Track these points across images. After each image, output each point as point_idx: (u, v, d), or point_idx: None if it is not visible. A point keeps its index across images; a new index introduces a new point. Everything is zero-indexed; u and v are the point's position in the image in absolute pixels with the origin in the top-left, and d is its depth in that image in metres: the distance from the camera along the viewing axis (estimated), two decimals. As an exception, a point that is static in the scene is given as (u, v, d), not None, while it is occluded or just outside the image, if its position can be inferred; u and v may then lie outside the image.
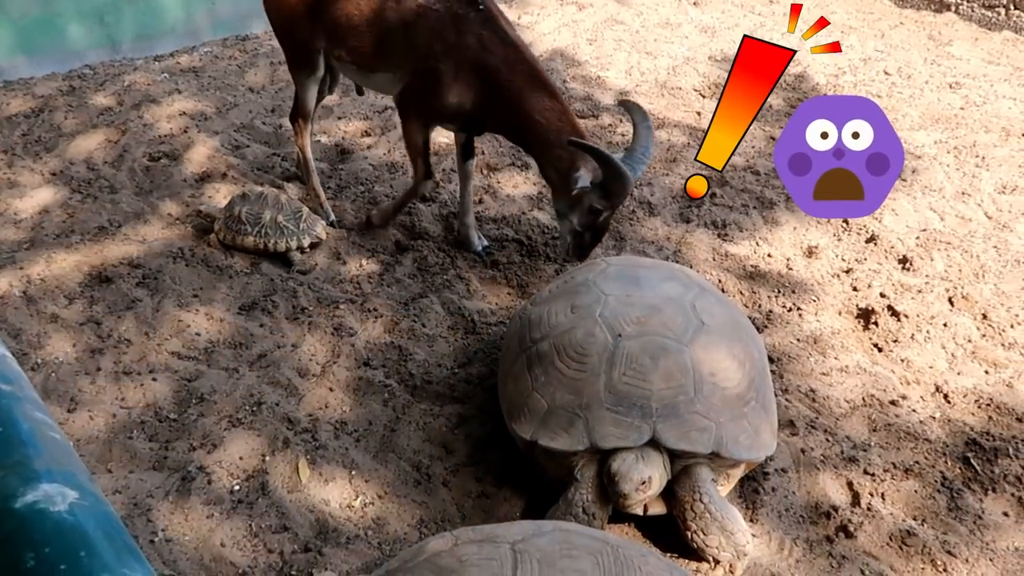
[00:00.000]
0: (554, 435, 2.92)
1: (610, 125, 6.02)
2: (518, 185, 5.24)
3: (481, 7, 4.01)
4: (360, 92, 5.03)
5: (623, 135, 5.87)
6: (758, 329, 4.05)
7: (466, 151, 4.54)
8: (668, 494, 2.93)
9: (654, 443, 2.84)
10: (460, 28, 3.99)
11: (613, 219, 4.88)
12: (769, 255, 4.60)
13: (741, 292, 4.31)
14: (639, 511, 2.93)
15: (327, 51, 4.46)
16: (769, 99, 6.47)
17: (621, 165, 3.74)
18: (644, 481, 2.77)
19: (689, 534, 2.83)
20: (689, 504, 2.84)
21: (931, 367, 3.85)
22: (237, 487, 3.12)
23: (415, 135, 4.31)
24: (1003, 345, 3.99)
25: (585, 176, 3.82)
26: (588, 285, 3.25)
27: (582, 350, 2.99)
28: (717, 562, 2.82)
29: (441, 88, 4.05)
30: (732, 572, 2.83)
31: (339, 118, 5.98)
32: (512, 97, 3.99)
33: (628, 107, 4.14)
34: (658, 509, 2.96)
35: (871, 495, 3.16)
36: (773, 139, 5.89)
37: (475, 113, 4.14)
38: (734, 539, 2.80)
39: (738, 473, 3.06)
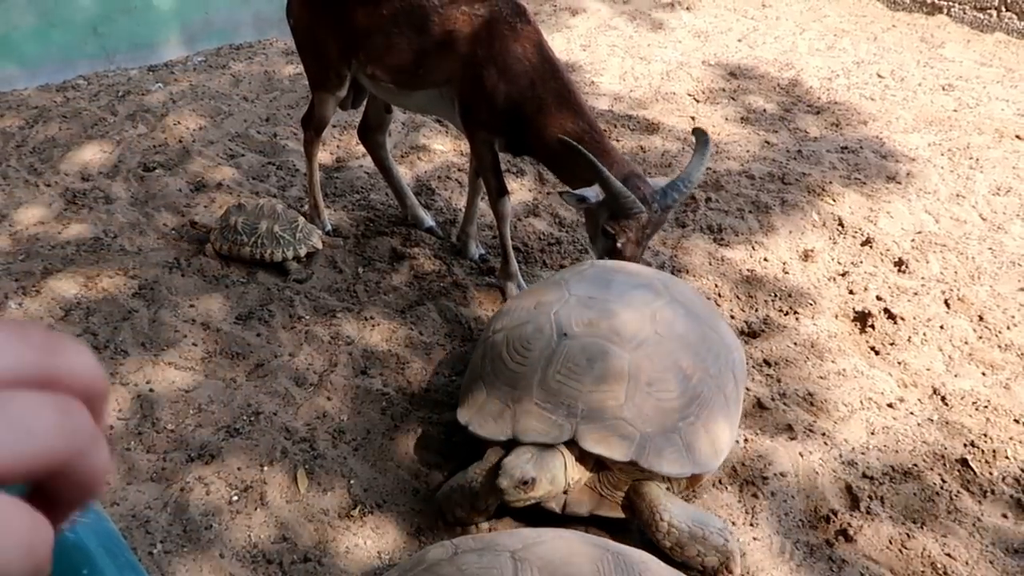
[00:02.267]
0: (483, 423, 2.98)
1: (604, 131, 6.01)
2: (514, 192, 5.24)
3: (529, 20, 3.90)
4: (388, 111, 4.78)
5: (617, 140, 5.88)
6: (753, 335, 4.06)
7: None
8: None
9: (574, 445, 2.84)
10: (505, 34, 3.83)
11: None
12: (765, 259, 4.61)
13: (738, 296, 4.31)
14: (556, 508, 2.93)
15: (358, 70, 4.22)
16: (764, 104, 6.51)
17: (615, 182, 3.47)
18: (526, 481, 2.73)
19: (668, 553, 2.79)
20: (653, 526, 2.81)
21: (928, 369, 3.85)
22: (235, 498, 3.11)
23: (484, 150, 4.06)
24: (1000, 347, 4.00)
25: (588, 190, 3.60)
26: (559, 283, 3.28)
27: (527, 345, 3.02)
28: (711, 569, 2.80)
29: (492, 94, 3.86)
30: (731, 571, 2.81)
31: (333, 126, 5.98)
32: (540, 117, 3.82)
33: (696, 134, 3.92)
34: (607, 512, 2.95)
35: (870, 498, 3.16)
36: (769, 143, 5.90)
37: (514, 129, 3.96)
38: (710, 542, 2.77)
39: (680, 486, 3.01)
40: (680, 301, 3.18)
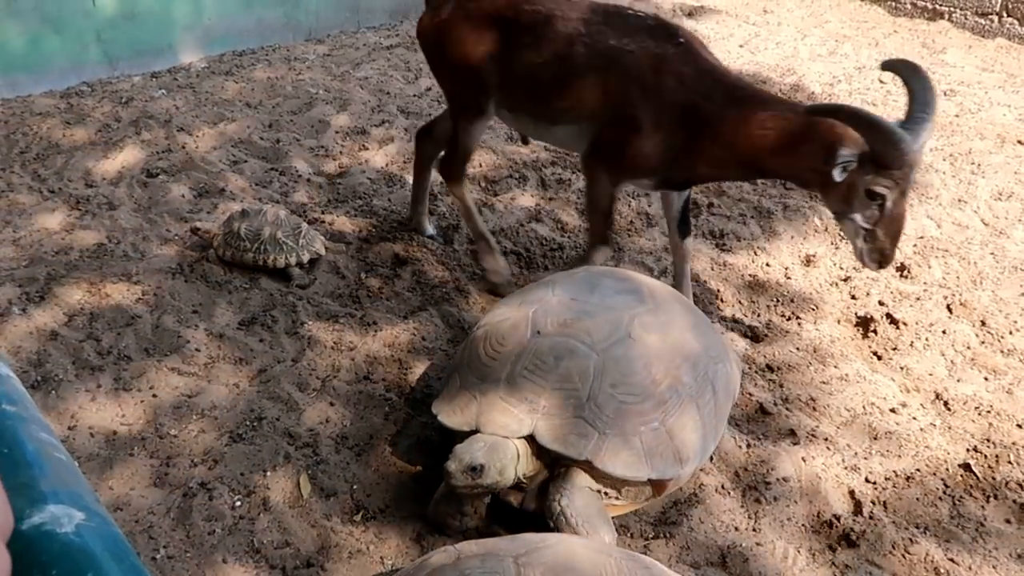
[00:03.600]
0: (451, 413, 3.02)
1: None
2: (516, 198, 5.25)
3: (680, 41, 3.57)
4: (525, 142, 4.52)
5: (620, 146, 5.87)
6: (756, 339, 4.06)
7: (683, 224, 4.05)
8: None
9: (533, 440, 2.86)
10: (659, 68, 3.52)
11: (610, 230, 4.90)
12: (767, 264, 4.61)
13: (740, 302, 4.32)
14: (515, 502, 2.96)
15: (498, 101, 4.01)
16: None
17: (885, 121, 3.10)
18: (475, 467, 2.74)
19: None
20: (549, 502, 2.84)
21: (931, 374, 3.85)
22: (238, 503, 3.11)
23: (602, 194, 3.84)
24: (1002, 352, 4.00)
25: (846, 150, 3.17)
26: (547, 284, 3.32)
27: (502, 340, 3.06)
28: None
29: (639, 139, 3.59)
30: None
31: (336, 132, 5.99)
32: (723, 131, 3.47)
33: (892, 65, 3.45)
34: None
35: (873, 503, 3.16)
36: (769, 148, 5.90)
37: (682, 164, 3.63)
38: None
39: (637, 494, 2.99)
40: (665, 309, 3.17)
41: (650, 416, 2.88)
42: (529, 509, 2.99)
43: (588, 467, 2.84)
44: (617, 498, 2.97)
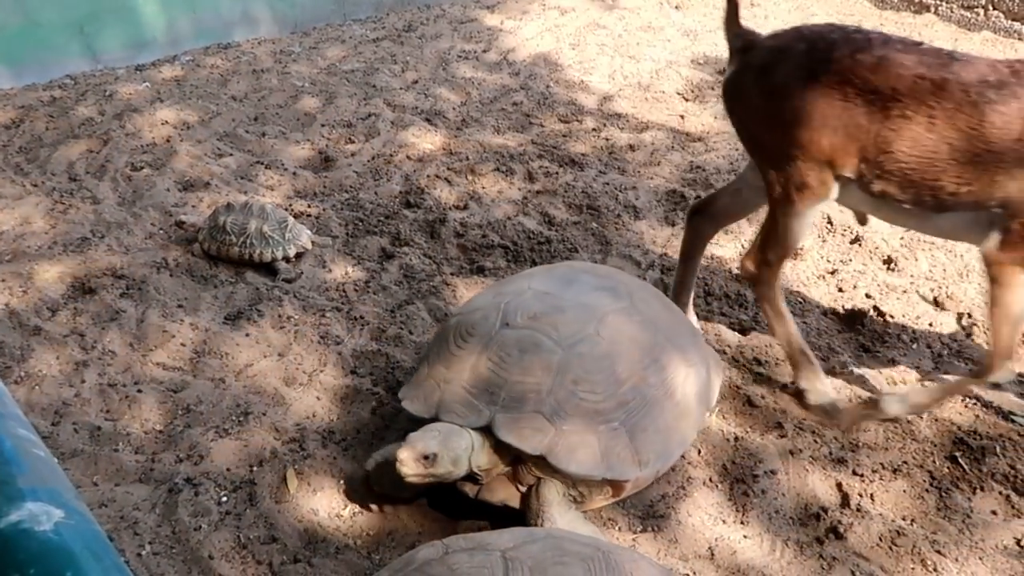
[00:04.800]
0: (415, 400, 3.03)
1: (594, 129, 6.03)
2: (503, 191, 5.23)
3: None
4: (863, 222, 3.73)
5: (607, 139, 5.87)
6: (743, 332, 4.06)
7: None
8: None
9: (491, 433, 2.85)
10: None
11: (598, 224, 4.89)
12: (755, 257, 4.61)
13: (727, 295, 4.31)
14: (470, 493, 2.95)
15: (850, 182, 3.26)
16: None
17: None
18: (427, 456, 2.73)
19: None
20: (533, 525, 2.83)
21: (917, 367, 3.86)
22: (225, 498, 3.09)
23: (1015, 299, 3.18)
24: (987, 344, 4.00)
25: None
26: (524, 278, 3.31)
27: (471, 331, 3.05)
28: None
29: None
30: None
31: (322, 125, 5.97)
32: None
33: None
34: (519, 505, 2.96)
35: (860, 496, 3.17)
36: (757, 141, 5.90)
37: None
38: None
39: (593, 493, 2.97)
40: (640, 309, 3.14)
41: (610, 415, 2.86)
42: (487, 502, 2.96)
43: (543, 462, 2.82)
44: (577, 499, 2.96)
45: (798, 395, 3.60)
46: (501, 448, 2.88)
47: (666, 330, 3.16)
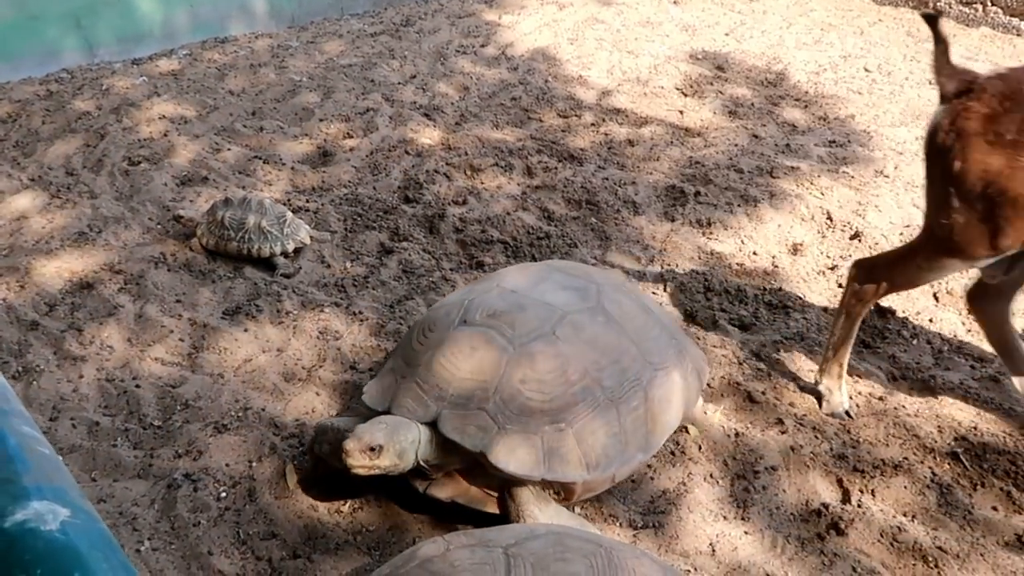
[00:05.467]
0: (373, 392, 3.05)
1: (593, 124, 6.01)
2: (502, 186, 5.22)
3: None
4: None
5: (605, 134, 5.86)
6: (743, 328, 4.05)
7: None
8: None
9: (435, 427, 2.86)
10: None
11: (597, 219, 4.88)
12: (755, 253, 4.60)
13: (727, 290, 4.30)
14: (419, 488, 2.94)
15: None
16: (752, 98, 6.51)
17: None
18: (373, 448, 2.72)
19: None
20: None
21: (917, 363, 3.85)
22: (224, 494, 3.08)
23: None
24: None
25: None
26: (496, 276, 3.31)
27: (432, 328, 3.05)
28: None
29: None
30: None
31: (320, 119, 5.95)
32: None
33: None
34: (467, 501, 2.93)
35: (861, 492, 3.16)
36: (756, 137, 5.90)
37: None
38: None
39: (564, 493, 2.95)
40: (608, 311, 3.08)
41: (557, 416, 2.83)
42: (435, 498, 2.95)
43: (484, 460, 2.81)
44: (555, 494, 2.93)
45: (816, 396, 3.61)
46: (449, 444, 2.86)
47: (635, 333, 3.09)
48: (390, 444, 2.75)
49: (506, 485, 2.88)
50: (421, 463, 2.86)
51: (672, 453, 3.31)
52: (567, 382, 2.86)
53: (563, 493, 2.92)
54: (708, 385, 3.67)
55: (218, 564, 2.82)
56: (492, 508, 2.93)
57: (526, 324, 2.94)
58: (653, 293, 4.27)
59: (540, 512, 2.82)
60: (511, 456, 2.77)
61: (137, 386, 3.57)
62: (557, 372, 2.86)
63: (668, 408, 3.06)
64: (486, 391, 2.84)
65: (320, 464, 3.09)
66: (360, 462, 2.73)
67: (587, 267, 3.45)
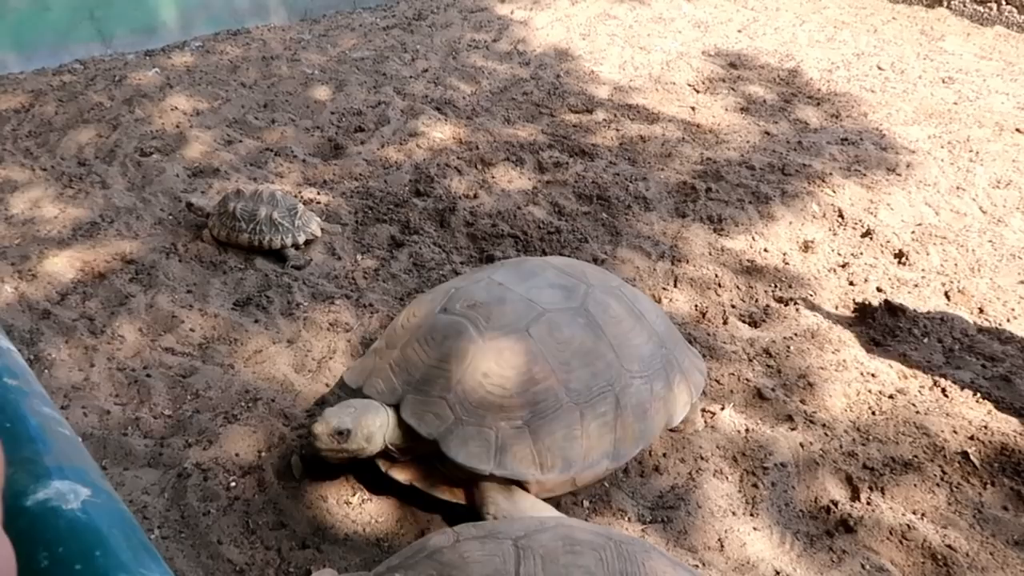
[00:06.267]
0: (353, 373, 3.12)
1: (605, 120, 6.00)
2: (513, 180, 5.22)
3: None
4: None
5: (617, 130, 5.85)
6: (754, 324, 4.05)
7: None
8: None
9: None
10: None
11: (608, 214, 4.87)
12: (765, 250, 4.59)
13: (738, 287, 4.30)
14: (383, 468, 2.95)
15: None
16: (764, 94, 6.49)
17: None
18: (341, 431, 2.75)
19: None
20: (481, 516, 2.81)
21: (928, 361, 3.84)
22: (233, 484, 3.09)
23: None
24: (1000, 339, 3.99)
25: None
26: (491, 268, 3.33)
27: (416, 313, 3.10)
28: None
29: None
30: None
31: (332, 112, 5.95)
32: None
33: None
34: (427, 488, 2.94)
35: (871, 489, 3.15)
36: (769, 134, 5.88)
37: None
38: None
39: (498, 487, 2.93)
40: (592, 312, 3.04)
41: (515, 413, 2.82)
42: (395, 480, 2.96)
43: (437, 447, 2.81)
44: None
45: None
46: (412, 429, 2.87)
47: (616, 338, 3.03)
48: (358, 428, 2.78)
49: (472, 475, 2.87)
50: (389, 447, 2.88)
51: (681, 449, 3.31)
52: (530, 380, 2.84)
53: (534, 487, 2.90)
54: (717, 381, 3.66)
55: (227, 553, 2.83)
56: (447, 496, 2.93)
57: (502, 318, 2.93)
58: (664, 289, 4.26)
59: (505, 501, 2.80)
60: (462, 447, 2.78)
61: (148, 375, 3.58)
62: (521, 369, 2.84)
63: (643, 417, 3.01)
64: (449, 380, 2.85)
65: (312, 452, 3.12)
66: (328, 445, 2.77)
67: (587, 266, 3.41)
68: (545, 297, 3.04)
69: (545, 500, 2.93)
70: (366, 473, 3.13)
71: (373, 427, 2.82)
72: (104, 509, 0.73)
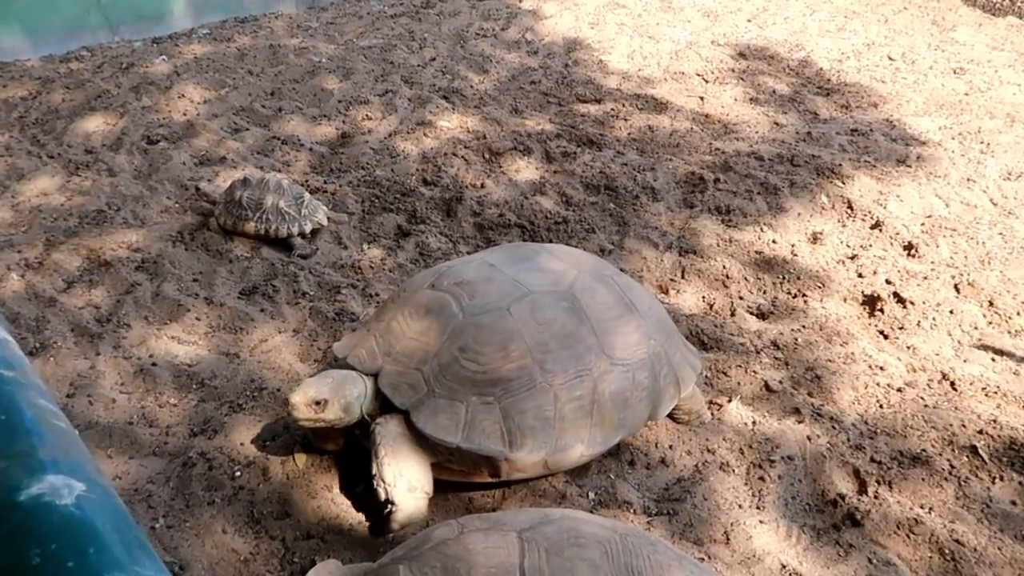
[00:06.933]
0: (343, 342, 3.17)
1: (613, 109, 5.97)
2: (520, 170, 5.19)
3: None
4: None
5: (625, 119, 5.82)
6: (762, 316, 4.03)
7: None
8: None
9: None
10: None
11: (616, 204, 4.85)
12: (774, 241, 4.56)
13: (746, 278, 4.27)
14: (365, 441, 2.94)
15: None
16: (773, 84, 6.45)
17: None
18: (318, 401, 2.77)
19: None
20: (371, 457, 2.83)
21: (937, 354, 3.82)
22: (238, 473, 3.08)
23: None
24: (1009, 333, 3.96)
25: None
26: (488, 251, 3.35)
27: (406, 290, 3.13)
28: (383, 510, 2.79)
29: None
30: (390, 523, 2.78)
31: (339, 101, 5.93)
32: None
33: None
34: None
35: (878, 483, 3.13)
36: (778, 124, 5.85)
37: None
38: (388, 496, 2.76)
39: (473, 465, 2.92)
40: (579, 299, 3.01)
41: (486, 390, 2.83)
42: (363, 444, 2.97)
43: (407, 418, 2.83)
44: (449, 462, 2.91)
45: None
46: (387, 399, 2.89)
47: (600, 325, 2.99)
48: (335, 398, 2.80)
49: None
50: (366, 416, 2.90)
51: (688, 441, 3.29)
52: (505, 358, 2.84)
53: (489, 469, 2.90)
54: (724, 374, 3.65)
55: (232, 543, 2.82)
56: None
57: (486, 296, 2.95)
58: (671, 280, 4.24)
59: (392, 440, 2.81)
60: (431, 419, 2.80)
61: (153, 364, 3.57)
62: (497, 346, 2.85)
63: (623, 406, 2.98)
64: (427, 353, 2.88)
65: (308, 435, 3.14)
66: (305, 415, 2.79)
67: (584, 254, 3.37)
68: (533, 279, 3.04)
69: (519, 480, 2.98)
70: (370, 463, 3.12)
71: (351, 397, 2.84)
72: (99, 504, 0.72)
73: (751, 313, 4.06)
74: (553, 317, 2.94)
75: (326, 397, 2.78)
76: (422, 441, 2.85)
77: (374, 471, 2.79)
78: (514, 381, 2.84)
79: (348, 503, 3.01)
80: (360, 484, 3.07)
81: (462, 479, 2.98)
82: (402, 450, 2.82)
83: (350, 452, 3.18)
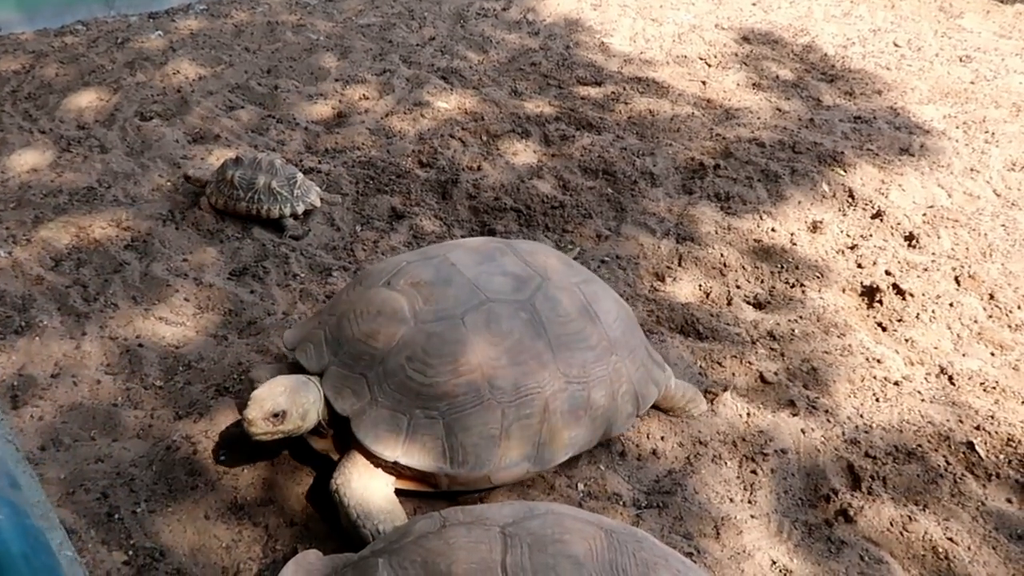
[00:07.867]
0: (293, 330, 3.12)
1: (613, 92, 5.89)
2: (518, 153, 5.12)
3: None
4: None
5: (626, 103, 5.74)
6: (759, 306, 3.98)
7: None
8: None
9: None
10: None
11: (614, 190, 4.78)
12: (773, 229, 4.50)
13: (744, 267, 4.21)
14: (311, 441, 2.89)
15: None
16: (777, 70, 6.37)
17: None
18: (276, 414, 2.67)
19: None
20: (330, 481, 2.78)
21: (936, 348, 3.76)
22: (223, 458, 3.03)
23: None
24: (1010, 327, 3.90)
25: None
26: (451, 245, 3.21)
27: (363, 283, 3.02)
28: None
29: None
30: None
31: (336, 80, 5.85)
32: None
33: None
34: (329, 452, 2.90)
35: (872, 479, 3.08)
36: (780, 110, 5.77)
37: None
38: (359, 532, 2.66)
39: (423, 478, 2.85)
40: (539, 308, 2.89)
41: (431, 403, 2.73)
42: (310, 447, 2.91)
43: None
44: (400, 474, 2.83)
45: None
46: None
47: (559, 339, 2.88)
48: (292, 407, 2.71)
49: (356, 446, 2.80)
50: (321, 421, 2.83)
51: (680, 432, 3.24)
52: (453, 372, 2.74)
53: (431, 481, 2.82)
54: (719, 364, 3.60)
55: (214, 529, 2.78)
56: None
57: (441, 302, 2.83)
58: (668, 267, 4.18)
59: (357, 481, 2.74)
60: (371, 430, 2.72)
61: (140, 345, 3.52)
62: (446, 359, 2.74)
63: (574, 425, 2.88)
64: (374, 358, 2.79)
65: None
66: (263, 429, 2.69)
67: (555, 257, 3.20)
68: (494, 285, 2.90)
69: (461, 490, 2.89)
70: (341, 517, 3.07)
71: (307, 403, 2.75)
72: (7, 526, 0.66)
73: (748, 303, 4.00)
74: (509, 330, 2.81)
75: (284, 408, 2.68)
76: (374, 460, 2.77)
77: (348, 528, 2.71)
78: (460, 397, 2.73)
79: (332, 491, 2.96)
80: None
81: (413, 488, 2.88)
82: (371, 500, 2.72)
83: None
